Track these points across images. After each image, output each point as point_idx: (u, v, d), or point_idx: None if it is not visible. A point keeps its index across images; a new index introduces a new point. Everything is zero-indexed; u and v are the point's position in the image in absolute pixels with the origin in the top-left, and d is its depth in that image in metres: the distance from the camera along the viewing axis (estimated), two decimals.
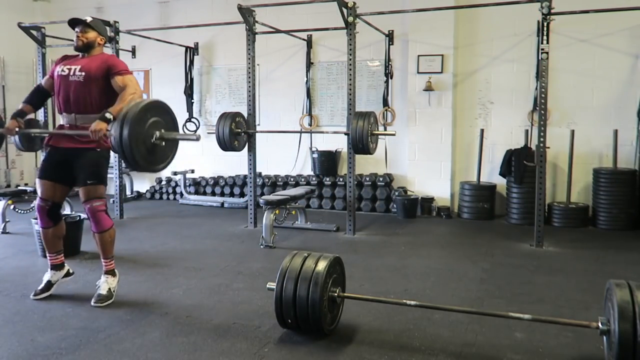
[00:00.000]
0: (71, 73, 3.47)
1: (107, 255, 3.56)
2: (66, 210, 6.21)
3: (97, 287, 3.55)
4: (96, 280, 3.66)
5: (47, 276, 3.65)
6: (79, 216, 4.93)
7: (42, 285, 3.62)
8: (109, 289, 3.52)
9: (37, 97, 3.74)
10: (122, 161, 3.24)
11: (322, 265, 2.89)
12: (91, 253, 4.73)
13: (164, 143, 3.24)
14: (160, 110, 3.27)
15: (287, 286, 2.86)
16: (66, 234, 4.65)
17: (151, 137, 3.15)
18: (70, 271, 3.80)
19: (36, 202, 3.60)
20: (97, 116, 3.33)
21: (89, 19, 3.64)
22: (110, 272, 3.58)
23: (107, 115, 3.25)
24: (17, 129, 3.58)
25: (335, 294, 2.97)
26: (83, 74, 3.44)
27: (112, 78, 3.46)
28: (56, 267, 3.67)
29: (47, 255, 3.67)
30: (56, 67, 3.57)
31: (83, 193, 3.49)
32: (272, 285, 2.93)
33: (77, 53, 3.64)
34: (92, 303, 3.42)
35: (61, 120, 3.59)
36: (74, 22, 3.64)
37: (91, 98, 3.44)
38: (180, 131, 8.03)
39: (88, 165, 3.47)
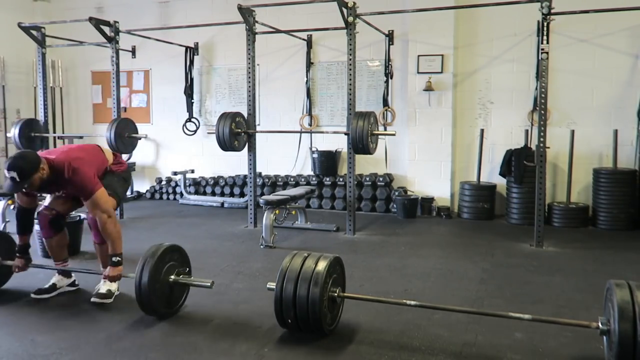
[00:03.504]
0: (59, 194, 3.61)
1: (117, 250, 3.57)
2: None
3: (96, 289, 3.58)
4: (96, 280, 3.66)
5: (54, 279, 3.69)
6: (79, 216, 4.92)
7: (47, 285, 3.65)
8: (108, 289, 3.53)
9: (27, 220, 3.62)
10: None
11: (322, 265, 2.89)
12: (91, 253, 4.71)
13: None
14: (177, 255, 3.42)
15: (287, 286, 2.86)
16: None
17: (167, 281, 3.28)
18: (76, 282, 3.81)
19: (39, 210, 3.59)
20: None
21: (16, 177, 3.14)
22: (114, 279, 3.57)
23: (116, 259, 3.48)
24: (26, 267, 3.65)
25: (335, 294, 2.97)
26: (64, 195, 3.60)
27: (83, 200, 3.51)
28: (63, 273, 3.72)
29: (54, 262, 3.71)
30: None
31: (91, 203, 3.43)
32: (272, 285, 2.94)
33: None
34: (92, 299, 3.49)
35: None
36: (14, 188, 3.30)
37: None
38: (180, 130, 8.07)
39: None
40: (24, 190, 3.30)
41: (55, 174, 3.25)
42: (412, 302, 2.97)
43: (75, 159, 3.32)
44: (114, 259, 3.46)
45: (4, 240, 3.80)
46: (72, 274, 3.79)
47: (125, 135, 6.20)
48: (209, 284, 3.28)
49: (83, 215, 4.90)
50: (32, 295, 3.59)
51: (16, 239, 3.64)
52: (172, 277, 3.28)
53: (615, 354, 2.36)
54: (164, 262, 3.23)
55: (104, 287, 3.54)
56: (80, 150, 3.55)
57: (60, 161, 3.27)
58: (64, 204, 3.64)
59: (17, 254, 3.60)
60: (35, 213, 3.60)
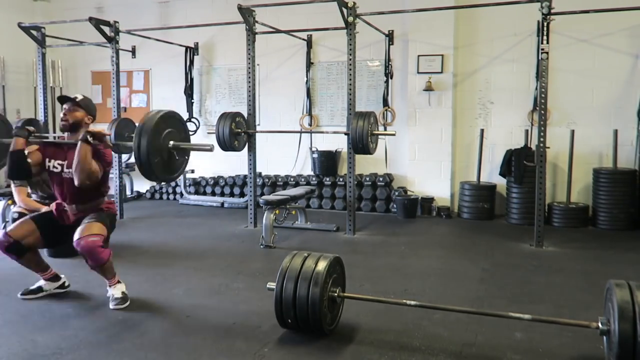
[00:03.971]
0: (64, 170, 3.46)
1: (108, 277, 3.49)
2: None
3: (108, 297, 3.47)
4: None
5: (41, 282, 3.64)
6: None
7: (34, 287, 3.63)
8: (122, 292, 3.47)
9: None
10: (140, 171, 3.31)
11: (322, 265, 2.89)
12: None
13: (177, 154, 3.40)
14: (175, 122, 3.43)
15: (287, 286, 2.86)
16: (67, 234, 4.67)
17: (167, 148, 3.31)
18: (66, 284, 3.74)
19: None
20: (94, 203, 3.55)
21: (79, 97, 3.51)
22: (116, 284, 3.51)
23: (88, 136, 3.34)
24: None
25: (335, 294, 2.96)
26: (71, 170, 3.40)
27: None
28: (50, 279, 3.64)
29: (38, 274, 3.63)
30: (44, 158, 3.49)
31: (80, 230, 3.35)
32: (272, 285, 2.93)
33: (61, 135, 3.58)
34: (112, 307, 3.38)
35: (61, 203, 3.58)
36: (62, 99, 3.51)
37: (87, 188, 3.41)
38: None
39: (91, 212, 3.51)
40: (63, 112, 3.44)
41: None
42: (412, 302, 2.97)
43: None
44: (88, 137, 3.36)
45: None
46: (62, 276, 3.72)
47: (125, 135, 6.19)
48: (209, 148, 3.38)
49: None
50: (19, 295, 3.58)
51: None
52: (172, 142, 3.34)
53: (615, 354, 2.36)
54: (162, 130, 3.29)
55: (115, 291, 3.46)
56: None
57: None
58: (33, 235, 3.44)
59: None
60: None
